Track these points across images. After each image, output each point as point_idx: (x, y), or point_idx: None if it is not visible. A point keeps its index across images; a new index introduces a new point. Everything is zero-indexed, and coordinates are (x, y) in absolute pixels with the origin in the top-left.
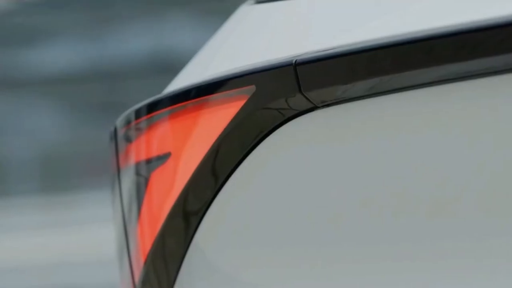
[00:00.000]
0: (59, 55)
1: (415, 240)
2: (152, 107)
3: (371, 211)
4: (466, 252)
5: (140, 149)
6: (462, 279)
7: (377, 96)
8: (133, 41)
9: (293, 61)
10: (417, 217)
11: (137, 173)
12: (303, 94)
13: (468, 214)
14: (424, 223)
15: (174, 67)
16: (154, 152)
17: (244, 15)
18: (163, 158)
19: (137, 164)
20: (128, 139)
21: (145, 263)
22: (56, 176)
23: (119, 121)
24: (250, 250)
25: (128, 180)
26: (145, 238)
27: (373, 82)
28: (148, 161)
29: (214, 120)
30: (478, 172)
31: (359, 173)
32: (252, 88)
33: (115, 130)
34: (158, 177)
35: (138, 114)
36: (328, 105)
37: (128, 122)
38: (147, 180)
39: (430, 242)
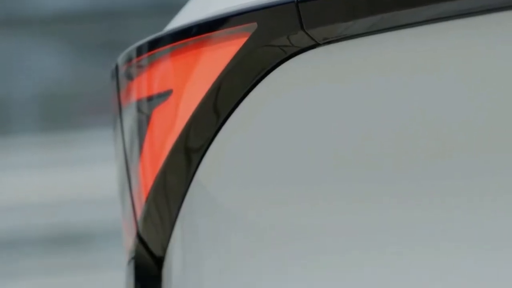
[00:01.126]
0: None
1: (416, 179)
2: (154, 45)
3: (372, 149)
4: (465, 191)
5: (142, 86)
6: (460, 217)
7: (378, 33)
8: None
9: None
10: (417, 156)
11: (139, 111)
12: (305, 31)
13: (467, 153)
14: (424, 162)
15: (175, 5)
16: (156, 89)
17: None
18: (164, 95)
19: (139, 102)
20: (130, 77)
21: (147, 200)
22: (58, 115)
23: (121, 58)
24: (251, 188)
25: (129, 118)
26: (146, 175)
27: (374, 19)
28: (150, 99)
29: (216, 57)
30: (478, 111)
31: (360, 111)
32: (253, 25)
33: (117, 68)
34: (159, 114)
35: (139, 51)
36: (329, 43)
37: (129, 60)
38: (148, 118)
39: (431, 181)
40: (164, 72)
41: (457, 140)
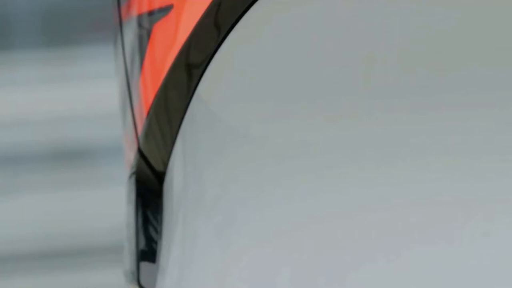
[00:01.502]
0: None
1: (417, 93)
2: None
3: (374, 64)
4: (465, 105)
5: (142, 1)
6: (459, 130)
7: None
8: None
9: None
10: (419, 70)
11: (139, 26)
12: None
13: (468, 67)
14: (425, 76)
15: None
16: (156, 4)
17: None
18: (165, 10)
19: (139, 16)
20: None
21: (148, 115)
22: (59, 30)
23: None
24: (252, 103)
25: (130, 33)
26: (147, 90)
27: None
28: (150, 13)
29: None
30: (480, 26)
31: (362, 26)
32: None
33: None
34: (160, 29)
35: None
36: None
37: None
38: (149, 33)
39: (432, 95)
40: None
41: (457, 54)
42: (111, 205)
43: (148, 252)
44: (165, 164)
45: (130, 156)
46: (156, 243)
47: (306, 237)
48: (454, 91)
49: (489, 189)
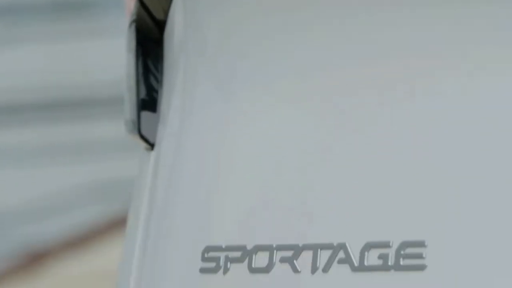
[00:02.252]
0: None
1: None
2: None
3: None
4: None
5: None
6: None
7: None
8: None
9: None
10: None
11: None
12: None
13: None
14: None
15: None
16: None
17: None
18: None
19: None
20: None
21: None
22: None
23: None
24: None
25: None
26: None
27: None
28: None
29: None
30: None
31: None
32: None
33: None
34: None
35: None
36: None
37: None
38: None
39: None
40: None
41: None
42: (112, 56)
43: (148, 101)
44: (166, 12)
45: (130, 4)
46: (156, 92)
47: (307, 89)
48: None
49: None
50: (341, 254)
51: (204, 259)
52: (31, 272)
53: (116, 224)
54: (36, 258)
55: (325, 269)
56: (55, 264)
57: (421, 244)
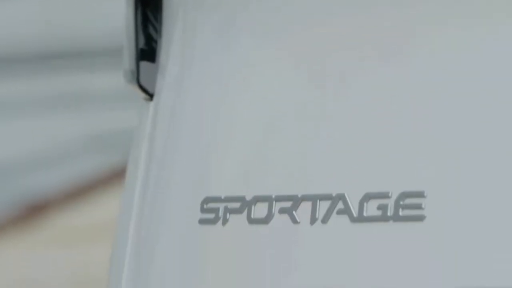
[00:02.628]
0: None
1: None
2: None
3: None
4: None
5: None
6: None
7: None
8: None
9: None
10: None
11: None
12: None
13: None
14: None
15: None
16: None
17: None
18: None
19: None
20: None
21: None
22: None
23: None
24: None
25: None
26: None
27: None
28: None
29: None
30: None
31: None
32: None
33: None
34: None
35: None
36: None
37: None
38: None
39: None
40: None
41: None
42: (111, 6)
43: (147, 51)
44: None
45: None
46: (155, 42)
47: (306, 39)
48: None
49: None
50: (340, 205)
51: (203, 210)
52: (31, 223)
53: (116, 175)
54: (36, 209)
55: (324, 220)
56: (55, 215)
57: (420, 194)
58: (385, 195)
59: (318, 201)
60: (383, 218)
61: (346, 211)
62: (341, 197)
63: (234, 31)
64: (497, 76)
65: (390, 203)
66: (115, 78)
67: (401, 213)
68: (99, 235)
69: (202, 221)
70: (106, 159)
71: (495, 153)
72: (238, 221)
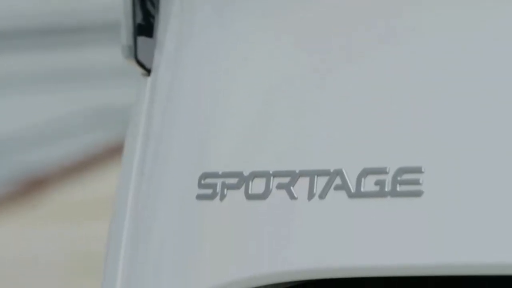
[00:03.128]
0: None
1: None
2: None
3: None
4: None
5: None
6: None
7: None
8: None
9: None
10: None
11: None
12: None
13: None
14: None
15: None
16: None
17: None
18: None
19: None
20: None
21: None
22: None
23: None
24: None
25: None
26: None
27: None
28: None
29: None
30: None
31: None
32: None
33: None
34: None
35: None
36: None
37: None
38: None
39: None
40: None
41: None
42: None
43: (145, 26)
44: None
45: None
46: (153, 17)
47: (308, 13)
48: None
49: None
50: (337, 181)
51: (200, 185)
52: (30, 198)
53: (115, 150)
54: (35, 184)
55: (322, 196)
56: (55, 190)
57: (418, 170)
58: (382, 171)
59: (315, 176)
60: (381, 194)
61: (343, 186)
62: (339, 172)
63: (233, 6)
64: (498, 48)
65: (388, 178)
66: (112, 53)
67: (398, 188)
68: (100, 210)
69: (199, 197)
70: (105, 134)
71: (494, 128)
72: (235, 196)
